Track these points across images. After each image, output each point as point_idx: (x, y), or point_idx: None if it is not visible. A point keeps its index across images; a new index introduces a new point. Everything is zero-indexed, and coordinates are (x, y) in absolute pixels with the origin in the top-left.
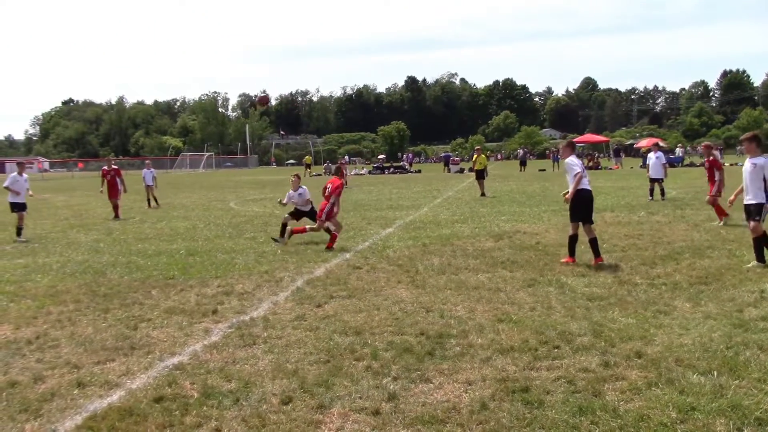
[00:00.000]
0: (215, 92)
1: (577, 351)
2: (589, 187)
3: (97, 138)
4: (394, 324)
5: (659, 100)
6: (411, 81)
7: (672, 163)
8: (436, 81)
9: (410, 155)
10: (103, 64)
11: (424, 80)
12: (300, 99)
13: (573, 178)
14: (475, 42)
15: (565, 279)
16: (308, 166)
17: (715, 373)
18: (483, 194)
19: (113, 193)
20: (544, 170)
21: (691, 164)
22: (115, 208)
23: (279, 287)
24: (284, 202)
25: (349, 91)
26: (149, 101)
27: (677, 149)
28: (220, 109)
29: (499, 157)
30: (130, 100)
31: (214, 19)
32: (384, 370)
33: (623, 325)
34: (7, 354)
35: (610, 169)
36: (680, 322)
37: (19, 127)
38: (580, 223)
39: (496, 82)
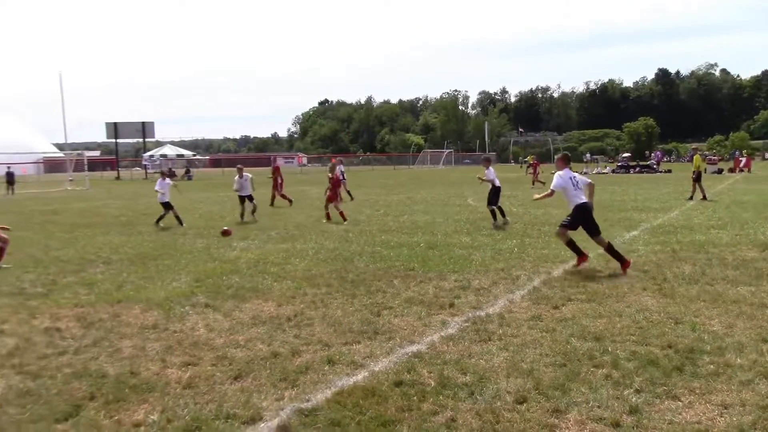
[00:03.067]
0: (456, 90)
1: None
2: (584, 201)
3: (348, 135)
4: (637, 333)
5: None
6: (662, 74)
7: None
8: (692, 73)
9: (658, 153)
10: (354, 67)
11: (678, 72)
12: (540, 95)
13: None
14: (740, 27)
15: None
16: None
17: None
18: (704, 197)
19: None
20: None
21: None
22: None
23: (515, 285)
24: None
25: (592, 86)
26: (394, 100)
27: None
28: (460, 107)
29: (767, 156)
30: (378, 99)
31: (452, 15)
32: (626, 380)
33: None
34: (271, 328)
35: None
36: None
37: (283, 126)
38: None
39: (765, 73)
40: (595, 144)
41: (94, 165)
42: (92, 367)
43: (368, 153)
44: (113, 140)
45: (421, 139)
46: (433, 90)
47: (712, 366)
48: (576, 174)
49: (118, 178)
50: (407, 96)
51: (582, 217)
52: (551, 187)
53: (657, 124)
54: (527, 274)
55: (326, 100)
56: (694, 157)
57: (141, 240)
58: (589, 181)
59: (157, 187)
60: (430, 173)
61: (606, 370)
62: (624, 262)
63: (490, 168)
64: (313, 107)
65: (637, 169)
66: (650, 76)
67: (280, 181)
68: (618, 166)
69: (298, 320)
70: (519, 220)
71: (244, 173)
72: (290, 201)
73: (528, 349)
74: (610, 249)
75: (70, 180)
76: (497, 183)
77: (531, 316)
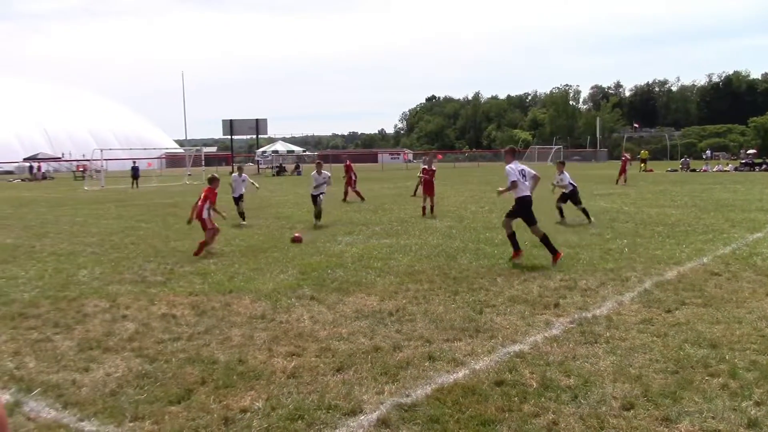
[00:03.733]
0: (566, 85)
1: None
2: (528, 194)
3: (454, 131)
4: (759, 342)
5: None
6: None
7: None
8: None
9: None
10: (461, 62)
11: None
12: (657, 89)
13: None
14: None
15: None
16: (644, 161)
17: None
18: None
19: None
20: None
21: None
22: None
23: (625, 287)
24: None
25: (715, 79)
26: (502, 96)
27: None
28: (570, 102)
29: None
30: (485, 95)
31: (563, 5)
32: (744, 391)
33: None
34: (373, 322)
35: None
36: None
37: (389, 122)
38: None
39: None
40: (716, 140)
41: (210, 160)
42: (204, 353)
43: (474, 149)
44: (229, 137)
45: (529, 135)
46: (542, 85)
47: None
48: (524, 166)
49: (232, 173)
50: (516, 91)
51: (524, 208)
52: (511, 180)
53: None
54: (638, 276)
55: (433, 96)
56: None
57: (251, 233)
58: (535, 173)
59: (233, 183)
60: (538, 169)
61: (722, 379)
62: (555, 253)
63: (566, 173)
64: (420, 103)
65: (764, 167)
66: None
67: (354, 178)
68: (741, 163)
69: (399, 315)
70: (631, 219)
71: (323, 170)
72: (362, 198)
73: (637, 354)
74: (544, 239)
75: (189, 174)
76: (570, 187)
77: (641, 319)
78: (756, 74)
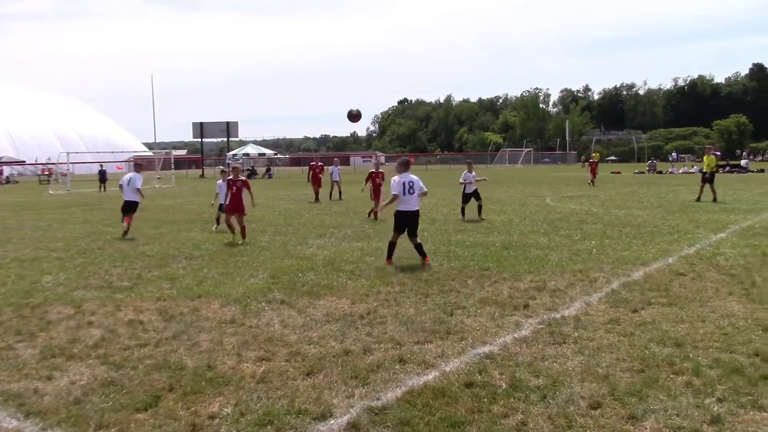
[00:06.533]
0: (536, 88)
1: None
2: (405, 208)
3: (426, 134)
4: (721, 340)
5: None
6: (757, 69)
7: None
8: None
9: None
10: (435, 66)
11: None
12: (625, 93)
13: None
14: None
15: None
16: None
17: None
18: (714, 200)
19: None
20: None
21: None
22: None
23: (593, 287)
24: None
25: (681, 83)
26: (474, 99)
27: None
28: (540, 105)
29: None
30: (457, 98)
31: (533, 10)
32: (707, 389)
33: None
34: (344, 325)
35: None
36: None
37: (362, 125)
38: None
39: None
40: (682, 143)
41: (180, 163)
42: (172, 359)
43: (446, 152)
44: (199, 140)
45: (500, 138)
46: (513, 88)
47: None
48: (414, 178)
49: (202, 176)
50: (487, 94)
51: (403, 220)
52: (393, 192)
53: (750, 122)
54: (605, 276)
55: (405, 99)
56: (705, 157)
57: (221, 237)
58: (425, 189)
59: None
60: (508, 172)
61: (686, 377)
62: (425, 257)
63: (473, 173)
64: (392, 106)
65: (727, 168)
66: (744, 71)
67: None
68: None
69: (370, 318)
70: (599, 221)
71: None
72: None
73: (604, 354)
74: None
75: (158, 178)
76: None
77: (608, 319)
78: (719, 78)
